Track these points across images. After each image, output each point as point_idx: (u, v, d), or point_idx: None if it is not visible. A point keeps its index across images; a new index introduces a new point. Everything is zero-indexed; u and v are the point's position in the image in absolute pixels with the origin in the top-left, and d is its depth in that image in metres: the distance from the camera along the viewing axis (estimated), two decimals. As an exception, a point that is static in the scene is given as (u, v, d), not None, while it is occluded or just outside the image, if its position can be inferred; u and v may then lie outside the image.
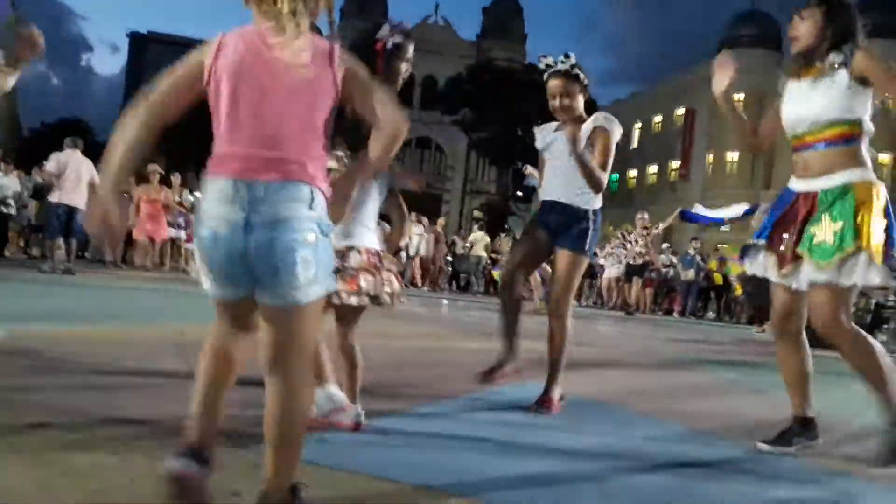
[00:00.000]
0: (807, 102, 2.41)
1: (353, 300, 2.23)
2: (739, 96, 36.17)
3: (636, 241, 12.00)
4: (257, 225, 1.32)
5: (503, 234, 17.79)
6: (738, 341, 8.73)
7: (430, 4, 44.77)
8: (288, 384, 1.39)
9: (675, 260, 14.22)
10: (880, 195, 2.31)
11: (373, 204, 2.38)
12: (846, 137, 2.35)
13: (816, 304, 2.33)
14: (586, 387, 3.48)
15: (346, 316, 2.31)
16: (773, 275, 2.45)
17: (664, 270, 13.73)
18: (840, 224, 2.25)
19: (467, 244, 15.57)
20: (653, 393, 3.82)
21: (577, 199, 2.93)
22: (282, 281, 1.33)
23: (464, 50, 43.40)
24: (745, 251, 2.60)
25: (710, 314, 14.84)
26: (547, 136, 3.07)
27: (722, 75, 2.55)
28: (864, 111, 2.36)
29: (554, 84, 2.94)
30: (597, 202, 2.97)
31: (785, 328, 2.51)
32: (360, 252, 2.26)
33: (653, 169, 42.30)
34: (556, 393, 2.93)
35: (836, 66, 2.34)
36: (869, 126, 2.37)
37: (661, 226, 12.14)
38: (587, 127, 2.92)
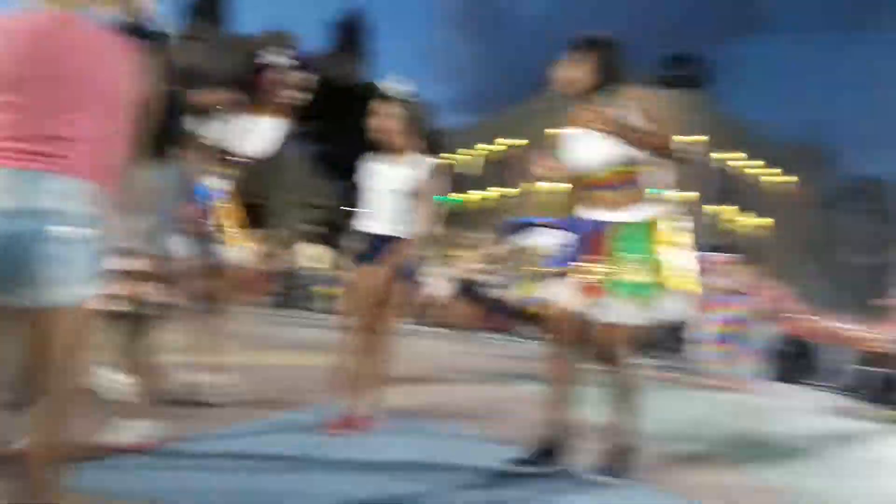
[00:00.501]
0: (588, 150, 2.50)
1: (114, 306, 2.14)
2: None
3: (472, 260, 12.46)
4: (21, 214, 1.23)
5: (335, 251, 17.62)
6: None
7: (276, 14, 43.78)
8: (45, 401, 1.27)
9: (502, 279, 14.85)
10: (674, 229, 2.44)
11: (166, 206, 2.29)
12: (632, 179, 2.46)
13: (608, 337, 2.41)
14: (398, 402, 3.55)
15: (135, 325, 2.20)
16: (575, 303, 2.47)
17: (491, 289, 14.31)
18: (647, 262, 2.34)
19: (298, 258, 15.27)
20: (463, 406, 3.99)
21: (403, 232, 2.97)
22: (34, 277, 1.23)
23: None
24: (546, 278, 2.65)
25: (528, 331, 15.64)
26: (375, 166, 3.09)
27: (550, 168, 2.68)
28: (637, 153, 2.45)
29: (380, 107, 3.02)
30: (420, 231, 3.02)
31: (560, 349, 2.56)
32: (136, 258, 2.17)
33: (491, 193, 44.19)
34: (368, 411, 2.96)
35: (608, 107, 2.44)
36: (649, 162, 2.48)
37: (499, 248, 12.71)
38: (416, 163, 2.99)
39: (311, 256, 15.08)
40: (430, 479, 2.30)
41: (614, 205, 2.47)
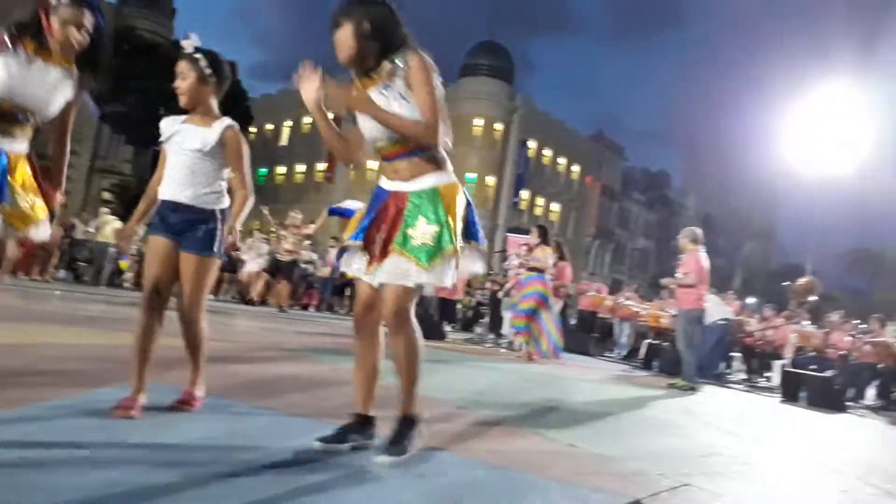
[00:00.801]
0: (367, 121, 2.42)
1: None
2: (479, 122, 39.92)
3: (286, 238, 12.11)
4: None
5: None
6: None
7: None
8: None
9: (315, 257, 14.67)
10: (462, 195, 2.44)
11: None
12: (424, 146, 2.39)
13: (392, 297, 2.34)
14: (208, 382, 3.35)
15: None
16: (362, 274, 2.45)
17: (304, 266, 14.08)
18: (436, 227, 2.32)
19: (91, 229, 13.84)
20: (273, 384, 3.86)
21: (203, 200, 2.78)
22: None
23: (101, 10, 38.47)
24: (342, 252, 2.56)
25: (342, 310, 15.66)
26: (173, 126, 2.87)
27: (308, 88, 2.47)
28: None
29: (178, 66, 2.82)
30: (224, 202, 2.86)
31: (366, 322, 2.50)
32: None
33: (300, 168, 43.24)
34: (201, 390, 2.86)
35: (392, 75, 2.38)
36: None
37: (313, 227, 12.45)
38: (218, 126, 2.82)
39: (109, 227, 13.71)
40: (224, 461, 2.15)
41: (403, 174, 2.42)
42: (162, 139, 2.87)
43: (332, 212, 12.24)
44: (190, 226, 2.76)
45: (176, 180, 2.78)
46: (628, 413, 4.83)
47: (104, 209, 15.03)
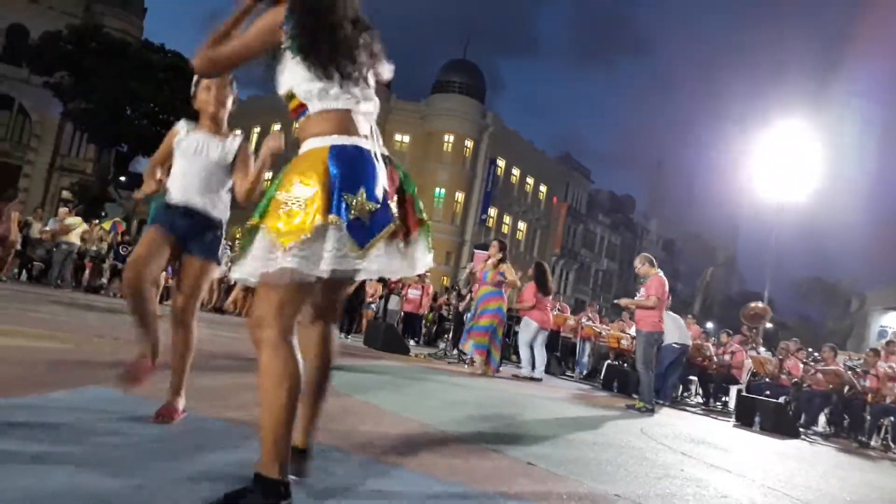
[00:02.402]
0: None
1: None
2: (449, 138, 39.74)
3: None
4: None
5: (97, 221, 15.96)
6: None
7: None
8: None
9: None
10: (317, 161, 1.83)
11: None
12: (297, 111, 1.98)
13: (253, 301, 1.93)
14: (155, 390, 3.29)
15: None
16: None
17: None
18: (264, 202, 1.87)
19: (47, 228, 13.48)
20: (224, 393, 3.80)
21: (214, 209, 2.90)
22: None
23: (68, 6, 37.86)
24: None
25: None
26: (188, 130, 2.93)
27: None
28: (294, 80, 1.94)
29: (215, 82, 2.92)
30: (227, 212, 2.98)
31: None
32: None
33: (268, 175, 42.70)
34: (181, 403, 2.81)
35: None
36: (308, 93, 1.93)
37: None
38: (234, 140, 2.96)
39: (76, 227, 13.36)
40: (184, 471, 2.13)
41: (300, 138, 1.97)
42: (177, 139, 2.91)
43: None
44: (198, 231, 2.85)
45: (191, 187, 2.86)
46: (586, 433, 4.86)
47: (63, 209, 14.65)
